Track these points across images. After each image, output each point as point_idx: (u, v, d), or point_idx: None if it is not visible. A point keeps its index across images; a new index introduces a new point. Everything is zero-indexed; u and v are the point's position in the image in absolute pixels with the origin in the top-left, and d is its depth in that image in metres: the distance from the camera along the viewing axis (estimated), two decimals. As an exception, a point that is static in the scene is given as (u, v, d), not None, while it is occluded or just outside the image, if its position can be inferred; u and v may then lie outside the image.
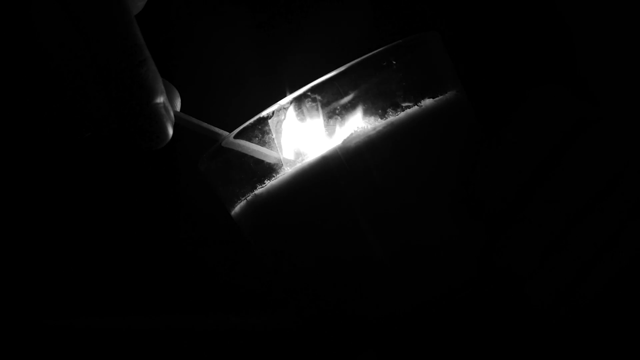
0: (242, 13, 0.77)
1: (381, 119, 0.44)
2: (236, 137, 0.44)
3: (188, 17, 0.77)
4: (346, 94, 0.44)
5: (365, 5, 0.78)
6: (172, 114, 0.43)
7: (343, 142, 0.43)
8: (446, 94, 0.45)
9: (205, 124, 0.45)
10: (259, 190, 0.45)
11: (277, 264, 0.46)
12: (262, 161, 0.44)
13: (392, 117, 0.44)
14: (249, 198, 0.45)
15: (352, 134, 0.43)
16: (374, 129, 0.43)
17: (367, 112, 0.44)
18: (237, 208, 0.46)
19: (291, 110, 0.44)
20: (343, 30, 0.77)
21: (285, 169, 0.44)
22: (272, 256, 0.46)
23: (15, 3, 0.41)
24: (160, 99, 0.42)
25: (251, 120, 0.44)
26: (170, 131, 0.43)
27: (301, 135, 0.44)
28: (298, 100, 0.44)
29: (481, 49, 0.69)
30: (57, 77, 0.41)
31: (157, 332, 0.63)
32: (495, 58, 0.69)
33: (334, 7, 0.78)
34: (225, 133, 0.45)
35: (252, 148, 0.44)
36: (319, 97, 0.44)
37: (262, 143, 0.44)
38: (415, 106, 0.44)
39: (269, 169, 0.44)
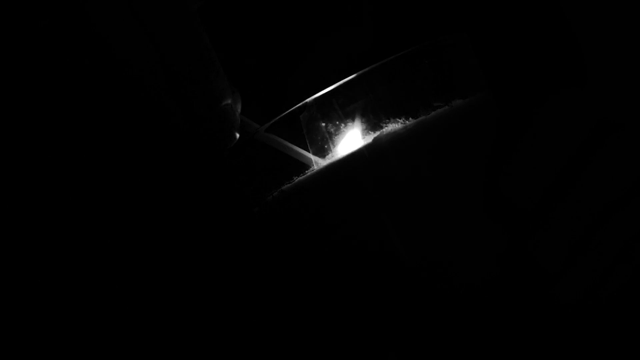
0: (242, 36, 0.77)
1: (412, 118, 0.43)
2: (268, 130, 0.44)
3: None
4: (378, 92, 0.43)
5: (365, 22, 0.78)
6: (237, 115, 0.43)
7: (373, 140, 0.43)
8: (475, 95, 0.45)
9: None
10: (286, 186, 0.44)
11: (299, 260, 0.46)
12: (291, 157, 0.44)
13: (423, 117, 0.43)
14: (275, 194, 0.45)
15: (382, 131, 0.43)
16: (405, 127, 0.43)
17: (398, 111, 0.44)
18: (262, 203, 0.46)
19: (323, 106, 0.43)
20: (345, 48, 0.78)
21: (314, 165, 0.44)
22: (295, 252, 0.46)
23: (88, 14, 0.41)
24: (229, 100, 0.42)
25: (282, 115, 0.44)
26: (237, 133, 0.43)
27: (332, 132, 0.44)
28: (330, 97, 0.43)
29: (490, 55, 0.70)
30: (129, 81, 0.41)
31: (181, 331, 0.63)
32: (504, 62, 0.69)
33: (334, 27, 0.78)
34: (287, 143, 0.45)
35: (284, 144, 0.44)
36: (351, 94, 0.43)
37: (292, 138, 0.44)
38: (446, 106, 0.44)
39: (298, 165, 0.44)
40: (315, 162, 0.44)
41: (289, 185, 0.44)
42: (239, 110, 0.44)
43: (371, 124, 0.43)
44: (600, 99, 0.46)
